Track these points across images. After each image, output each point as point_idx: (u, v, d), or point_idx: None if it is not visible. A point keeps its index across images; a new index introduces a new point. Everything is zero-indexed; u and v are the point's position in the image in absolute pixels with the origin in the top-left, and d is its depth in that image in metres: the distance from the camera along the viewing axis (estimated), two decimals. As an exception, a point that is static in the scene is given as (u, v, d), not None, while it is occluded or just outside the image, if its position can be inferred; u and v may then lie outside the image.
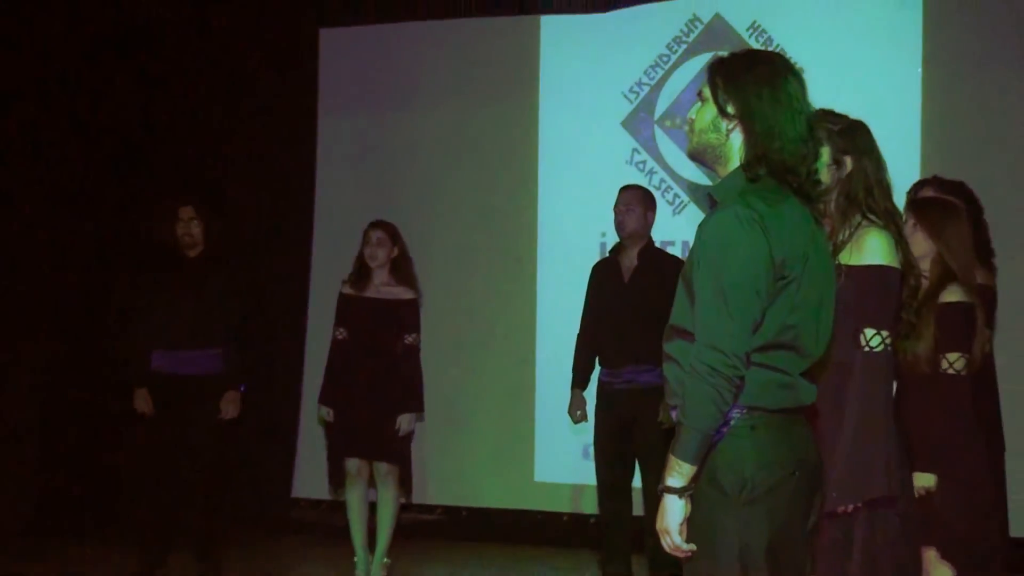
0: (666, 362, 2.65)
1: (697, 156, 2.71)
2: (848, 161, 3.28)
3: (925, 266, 3.78)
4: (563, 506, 7.05)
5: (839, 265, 3.09)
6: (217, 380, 5.75)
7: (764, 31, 6.84)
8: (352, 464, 5.69)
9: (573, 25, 7.24)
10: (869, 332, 3.12)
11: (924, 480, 3.66)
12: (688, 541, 2.51)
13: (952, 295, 3.75)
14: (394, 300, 5.72)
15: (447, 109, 7.44)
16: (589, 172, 7.04)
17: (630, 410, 5.46)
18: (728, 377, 2.45)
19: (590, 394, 5.71)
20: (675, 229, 6.74)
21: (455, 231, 7.36)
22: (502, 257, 7.29)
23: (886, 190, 3.30)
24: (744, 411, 2.52)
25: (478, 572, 6.41)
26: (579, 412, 5.71)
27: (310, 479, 7.27)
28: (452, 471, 7.27)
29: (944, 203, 3.97)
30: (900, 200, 3.51)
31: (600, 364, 5.69)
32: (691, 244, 2.61)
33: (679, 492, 2.49)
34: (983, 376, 4.09)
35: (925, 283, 3.72)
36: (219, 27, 7.69)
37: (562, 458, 6.97)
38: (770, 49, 6.29)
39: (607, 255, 5.93)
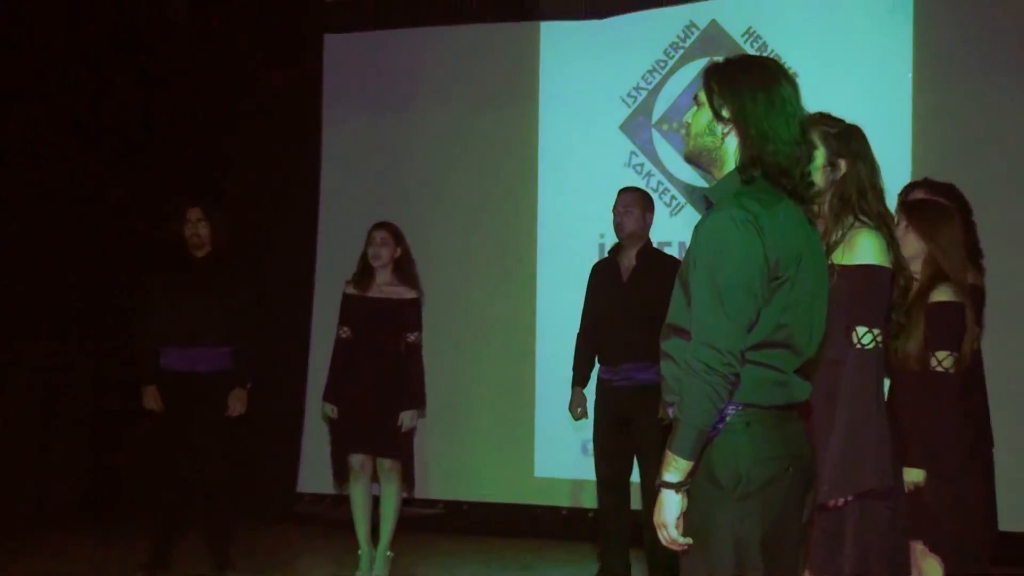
0: (663, 360, 2.65)
1: (693, 159, 2.72)
2: (843, 164, 3.28)
3: (916, 267, 3.79)
4: (562, 500, 7.05)
5: (832, 265, 3.10)
6: (224, 377, 5.75)
7: (759, 37, 6.84)
8: (356, 460, 5.69)
9: (572, 31, 7.24)
10: (861, 330, 3.12)
11: (914, 475, 3.67)
12: (684, 535, 2.51)
13: (942, 295, 3.75)
14: (397, 299, 5.72)
15: (449, 113, 7.44)
16: (588, 174, 7.04)
17: (628, 407, 5.47)
18: (724, 375, 2.45)
19: (589, 391, 5.71)
20: (672, 230, 6.74)
21: (457, 232, 7.36)
22: (503, 257, 7.29)
23: (879, 194, 3.30)
24: (739, 408, 2.52)
25: (479, 565, 6.41)
26: (580, 409, 5.71)
27: (315, 474, 7.27)
28: (453, 466, 7.27)
29: (936, 205, 3.98)
30: (891, 202, 3.51)
31: (599, 362, 5.70)
32: (688, 245, 2.61)
33: (676, 487, 2.49)
34: (972, 373, 4.09)
35: (916, 284, 3.73)
36: (226, 32, 7.69)
37: (561, 454, 6.97)
38: (764, 54, 6.30)
39: (606, 255, 5.93)
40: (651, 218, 5.70)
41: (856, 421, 3.11)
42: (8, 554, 6.15)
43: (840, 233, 3.24)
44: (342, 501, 6.20)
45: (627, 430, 5.51)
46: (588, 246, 6.91)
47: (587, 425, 5.78)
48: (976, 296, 4.23)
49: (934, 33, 6.53)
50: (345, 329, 5.75)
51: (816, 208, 3.05)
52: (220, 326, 5.74)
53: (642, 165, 7.05)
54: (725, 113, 2.61)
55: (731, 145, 2.62)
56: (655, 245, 5.78)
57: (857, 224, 3.24)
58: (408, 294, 5.75)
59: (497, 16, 7.39)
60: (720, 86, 2.62)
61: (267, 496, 7.46)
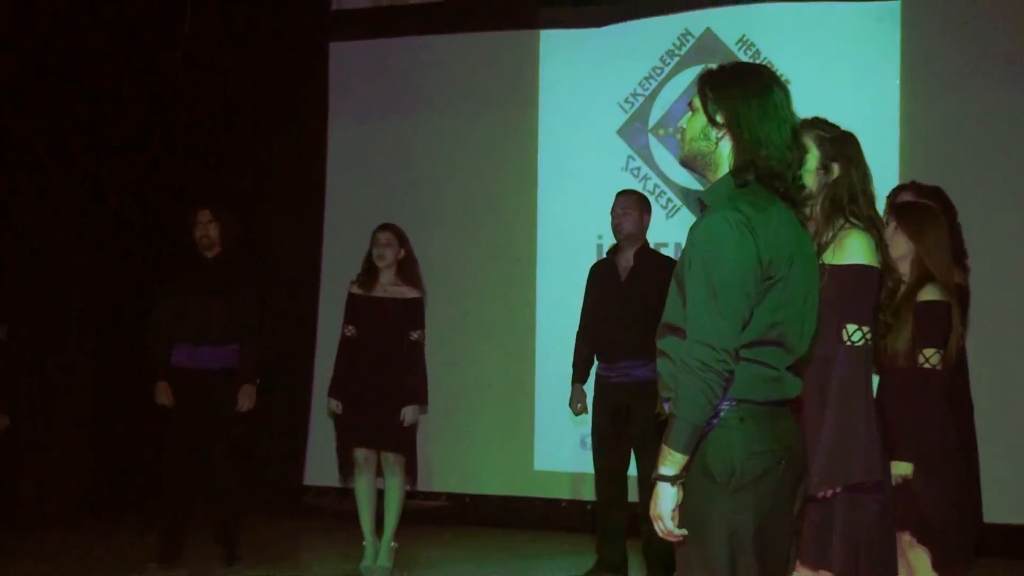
0: (659, 357, 2.66)
1: (688, 163, 2.72)
2: (836, 168, 3.29)
3: (905, 267, 3.79)
4: (562, 493, 7.06)
5: (823, 265, 3.10)
6: (234, 374, 5.77)
7: (752, 45, 6.85)
8: (360, 454, 5.70)
9: (571, 39, 7.25)
10: (851, 328, 3.13)
11: (901, 468, 3.67)
12: (680, 526, 2.51)
13: (930, 294, 3.76)
14: (400, 299, 5.73)
15: (452, 118, 7.44)
16: (586, 178, 7.05)
17: (625, 402, 5.48)
18: (718, 372, 2.46)
19: (588, 387, 5.72)
20: (668, 232, 6.74)
21: (459, 233, 7.36)
22: (504, 258, 7.30)
23: (870, 199, 3.31)
24: (733, 403, 2.52)
25: (480, 555, 6.41)
26: (580, 405, 5.72)
27: (321, 468, 7.28)
28: (456, 460, 7.28)
29: (924, 207, 3.99)
30: (879, 205, 3.52)
31: (598, 359, 5.70)
32: (683, 246, 2.62)
33: (671, 480, 2.50)
34: (957, 370, 4.10)
35: (904, 284, 3.74)
36: (236, 40, 7.69)
37: (561, 447, 6.98)
38: (757, 62, 6.28)
39: (604, 256, 5.94)
40: (648, 220, 5.70)
41: (846, 416, 3.11)
42: (8, 554, 6.07)
43: (831, 234, 3.24)
44: (347, 494, 6.20)
45: (624, 425, 5.52)
46: (587, 247, 6.91)
47: (586, 420, 5.78)
48: (961, 296, 4.25)
49: (921, 41, 6.55)
50: (350, 327, 5.75)
51: (808, 211, 3.06)
52: (229, 324, 5.75)
53: (639, 169, 7.06)
54: (719, 119, 2.61)
55: (725, 149, 2.62)
56: (652, 246, 5.79)
57: (847, 226, 3.24)
58: (411, 294, 5.75)
59: (498, 25, 7.39)
60: (714, 92, 2.62)
61: (275, 489, 7.47)
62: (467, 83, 7.44)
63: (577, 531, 6.65)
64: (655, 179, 7.02)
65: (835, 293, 3.09)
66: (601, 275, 5.75)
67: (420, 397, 5.71)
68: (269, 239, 7.50)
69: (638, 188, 6.44)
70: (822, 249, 3.20)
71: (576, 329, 5.80)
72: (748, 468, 2.51)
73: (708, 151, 2.65)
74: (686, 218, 6.78)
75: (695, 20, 6.98)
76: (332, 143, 7.69)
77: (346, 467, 5.77)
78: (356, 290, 5.79)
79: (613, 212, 5.67)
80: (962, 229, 4.57)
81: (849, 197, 3.26)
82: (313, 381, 7.44)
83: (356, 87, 7.66)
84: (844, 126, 3.37)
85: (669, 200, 6.99)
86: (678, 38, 7.02)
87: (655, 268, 5.48)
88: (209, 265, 5.85)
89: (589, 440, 5.75)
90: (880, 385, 3.68)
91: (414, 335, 5.71)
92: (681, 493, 2.51)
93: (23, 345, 6.14)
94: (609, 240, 5.91)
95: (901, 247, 3.80)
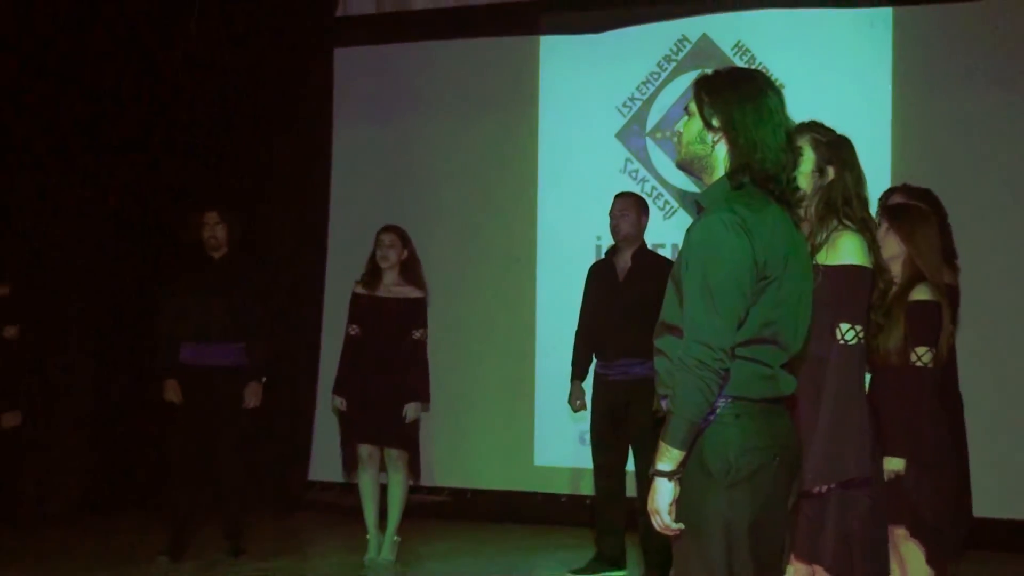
0: (657, 356, 2.66)
1: (685, 166, 2.72)
2: (831, 171, 3.29)
3: (896, 267, 3.79)
4: (561, 488, 7.06)
5: (816, 265, 3.10)
6: (240, 372, 5.77)
7: (748, 50, 6.85)
8: (364, 449, 5.70)
9: (570, 45, 7.25)
10: (844, 327, 3.13)
11: (894, 464, 3.67)
12: (677, 521, 2.51)
13: (921, 294, 3.77)
14: (403, 299, 5.73)
15: (453, 122, 7.44)
16: (585, 180, 7.05)
17: (623, 399, 5.47)
18: (714, 370, 2.45)
19: (587, 385, 5.72)
20: (666, 233, 6.74)
21: (461, 234, 7.36)
22: (504, 258, 7.30)
23: (863, 202, 3.31)
24: (729, 401, 2.52)
25: (481, 549, 6.41)
26: (579, 402, 5.72)
27: (325, 463, 7.28)
28: (458, 456, 7.28)
29: (916, 209, 3.99)
30: (871, 207, 3.52)
31: (596, 357, 5.70)
32: (680, 247, 2.62)
33: (669, 475, 2.49)
34: (948, 368, 4.10)
35: (896, 284, 3.74)
36: (239, 40, 7.67)
37: (560, 443, 6.98)
38: (753, 67, 6.29)
39: (603, 257, 5.94)
40: (646, 221, 5.70)
41: (840, 413, 3.11)
42: (8, 554, 6.01)
43: (824, 235, 3.24)
44: (351, 489, 6.20)
45: (622, 421, 5.51)
46: (585, 248, 6.91)
47: (585, 417, 5.78)
48: (952, 295, 4.24)
49: (912, 46, 6.55)
50: (354, 327, 5.75)
51: (802, 212, 3.05)
52: (236, 323, 5.76)
53: (637, 171, 7.06)
54: (715, 122, 2.61)
55: (721, 153, 2.62)
56: (649, 247, 5.79)
57: (840, 227, 3.25)
58: (414, 293, 5.75)
59: (500, 31, 7.39)
60: (710, 97, 2.62)
61: (280, 484, 7.47)
62: (469, 87, 7.44)
63: (576, 525, 6.65)
64: (652, 181, 7.02)
65: (829, 293, 3.09)
66: (599, 275, 5.75)
67: (422, 394, 5.71)
68: (274, 240, 7.49)
69: (636, 190, 6.44)
70: (816, 250, 3.20)
71: (575, 328, 5.80)
72: (743, 464, 2.50)
73: (704, 154, 2.65)
74: (683, 220, 6.78)
75: (692, 26, 6.98)
76: (337, 146, 7.69)
77: (350, 463, 5.77)
78: (360, 290, 5.79)
79: (611, 214, 5.67)
80: (952, 230, 4.57)
81: (843, 200, 3.26)
82: (318, 379, 7.44)
83: (361, 91, 7.65)
84: (837, 129, 3.38)
85: (666, 202, 6.99)
86: (675, 44, 7.02)
87: (652, 268, 5.48)
88: (216, 265, 5.85)
89: (588, 436, 5.75)
90: (872, 383, 3.68)
91: (417, 334, 5.71)
92: (678, 488, 2.51)
93: (23, 345, 6.12)
94: (607, 241, 5.91)
95: (893, 248, 3.80)
